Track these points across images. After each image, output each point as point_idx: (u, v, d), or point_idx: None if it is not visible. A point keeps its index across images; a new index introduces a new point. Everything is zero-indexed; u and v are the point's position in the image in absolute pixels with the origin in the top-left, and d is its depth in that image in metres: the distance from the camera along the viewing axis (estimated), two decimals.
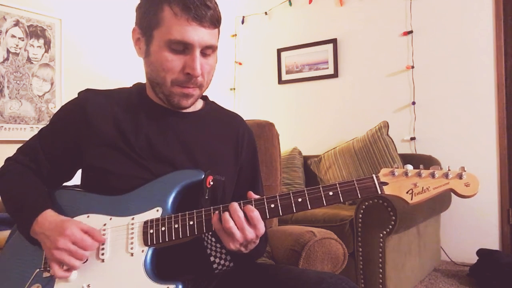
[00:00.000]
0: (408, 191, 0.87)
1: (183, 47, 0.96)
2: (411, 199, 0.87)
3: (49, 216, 0.95)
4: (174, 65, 0.97)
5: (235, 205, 0.89)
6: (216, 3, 1.00)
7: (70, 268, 0.92)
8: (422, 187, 0.87)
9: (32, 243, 0.98)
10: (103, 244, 0.94)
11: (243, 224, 0.87)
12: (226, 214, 0.88)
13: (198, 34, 0.95)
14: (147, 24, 0.99)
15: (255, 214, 0.88)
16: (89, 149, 1.03)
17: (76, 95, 1.10)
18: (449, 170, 0.87)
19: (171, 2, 0.94)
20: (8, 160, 1.12)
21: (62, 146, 1.06)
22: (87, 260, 0.93)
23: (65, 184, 1.13)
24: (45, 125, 1.12)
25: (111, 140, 1.02)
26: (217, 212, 0.90)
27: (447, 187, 0.86)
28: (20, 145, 1.13)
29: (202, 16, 0.94)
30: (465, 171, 0.87)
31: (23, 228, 0.99)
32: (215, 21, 0.98)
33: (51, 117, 1.12)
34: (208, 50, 0.99)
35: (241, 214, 0.88)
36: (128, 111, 1.06)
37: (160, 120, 1.06)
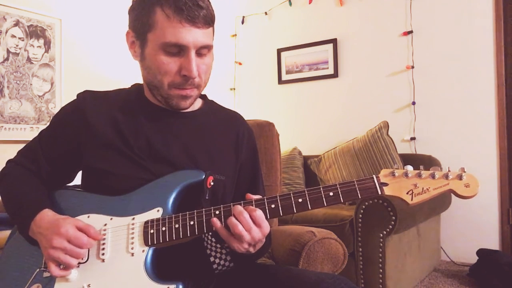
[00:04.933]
0: (408, 191, 0.88)
1: (178, 49, 0.96)
2: (411, 200, 0.87)
3: (46, 215, 0.95)
4: (170, 67, 0.97)
5: (239, 207, 0.89)
6: (209, 1, 0.99)
7: (67, 267, 0.91)
8: (422, 188, 0.87)
9: (31, 243, 0.98)
10: (103, 244, 0.94)
11: (250, 225, 0.87)
12: (233, 219, 0.88)
13: (192, 35, 0.94)
14: (140, 27, 0.99)
15: (258, 213, 0.88)
16: (89, 151, 1.03)
17: (76, 96, 1.10)
18: (449, 171, 0.88)
19: (163, 4, 0.94)
20: (9, 162, 1.13)
21: (62, 147, 1.07)
22: (88, 260, 0.94)
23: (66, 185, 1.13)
24: (45, 127, 1.12)
25: (110, 141, 1.02)
26: (217, 220, 0.90)
27: (447, 188, 0.87)
28: (20, 145, 1.14)
29: (195, 17, 0.93)
30: (465, 172, 0.87)
31: (22, 228, 0.99)
32: (208, 21, 0.97)
33: (51, 119, 1.12)
34: (204, 50, 0.98)
35: (246, 215, 0.88)
36: (127, 112, 1.06)
37: (159, 120, 1.06)
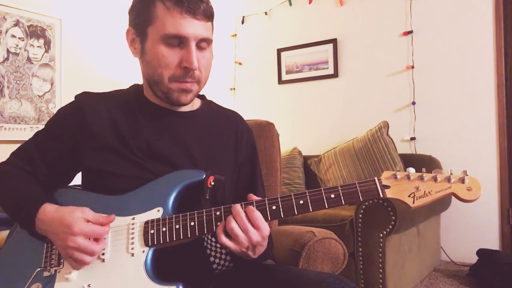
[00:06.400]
0: (410, 194, 0.86)
1: (179, 41, 0.96)
2: (413, 203, 0.86)
3: (48, 212, 0.95)
4: (170, 60, 0.97)
5: (237, 207, 0.89)
6: None
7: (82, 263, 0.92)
8: (424, 191, 0.86)
9: (36, 238, 0.98)
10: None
11: (246, 226, 0.87)
12: (229, 216, 0.89)
13: (192, 27, 0.95)
14: (140, 23, 1.00)
15: (256, 214, 0.88)
16: (88, 152, 1.03)
17: (74, 97, 1.10)
18: (451, 174, 0.86)
19: None
20: (2, 165, 1.10)
21: (60, 149, 1.06)
22: None
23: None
24: (40, 129, 1.11)
25: (109, 143, 1.02)
26: (221, 224, 0.90)
27: (449, 191, 0.86)
28: (18, 146, 1.11)
29: (195, 9, 0.95)
30: (467, 175, 0.86)
31: (25, 227, 0.99)
32: (208, 15, 0.98)
33: (48, 120, 1.11)
34: (203, 43, 0.99)
35: (243, 215, 0.88)
36: (125, 113, 1.06)
37: (158, 120, 1.06)
